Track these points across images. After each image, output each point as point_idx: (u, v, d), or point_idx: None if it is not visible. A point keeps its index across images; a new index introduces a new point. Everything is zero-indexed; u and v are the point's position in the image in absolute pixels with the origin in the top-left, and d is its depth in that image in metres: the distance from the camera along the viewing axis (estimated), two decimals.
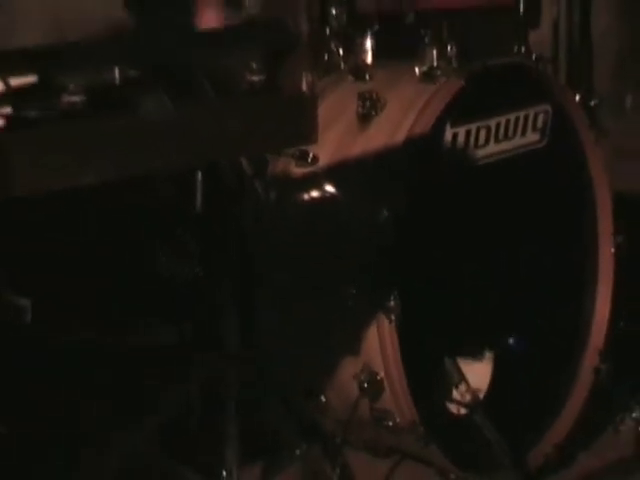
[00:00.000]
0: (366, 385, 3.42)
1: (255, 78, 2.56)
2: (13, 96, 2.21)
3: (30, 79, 2.26)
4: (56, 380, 3.00)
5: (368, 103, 3.53)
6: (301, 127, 2.59)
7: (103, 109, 2.31)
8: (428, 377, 3.52)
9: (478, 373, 3.62)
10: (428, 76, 3.58)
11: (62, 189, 2.21)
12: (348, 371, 3.47)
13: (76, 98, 2.27)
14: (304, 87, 2.59)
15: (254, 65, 2.56)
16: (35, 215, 2.29)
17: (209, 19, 4.20)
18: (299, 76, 2.60)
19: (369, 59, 3.76)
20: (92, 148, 2.22)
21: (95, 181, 2.22)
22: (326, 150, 3.49)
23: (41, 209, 2.28)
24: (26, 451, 2.79)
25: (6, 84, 2.20)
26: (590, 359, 3.85)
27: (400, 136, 3.43)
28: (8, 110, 2.18)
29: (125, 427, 3.14)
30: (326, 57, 3.82)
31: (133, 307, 3.50)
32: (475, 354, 3.64)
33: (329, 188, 3.53)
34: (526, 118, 3.70)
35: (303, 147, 3.40)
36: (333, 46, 3.82)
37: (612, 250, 3.87)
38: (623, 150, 4.62)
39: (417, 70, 3.61)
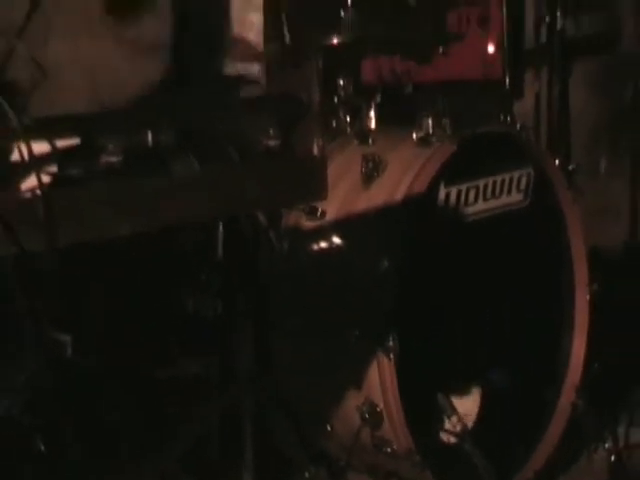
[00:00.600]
0: (367, 416, 3.44)
1: (272, 142, 2.58)
2: (58, 156, 2.23)
3: (73, 141, 2.28)
4: (92, 407, 3.01)
5: (371, 164, 3.57)
6: (312, 186, 2.64)
7: (138, 168, 2.35)
8: (423, 409, 3.53)
9: (467, 406, 3.64)
10: (424, 141, 3.61)
11: (102, 239, 2.28)
12: (352, 403, 3.48)
13: (114, 158, 2.31)
14: (315, 150, 2.61)
15: (271, 131, 2.60)
16: (77, 260, 2.33)
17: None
18: (311, 141, 2.62)
19: (372, 125, 3.81)
20: (128, 203, 2.25)
21: (130, 232, 2.26)
22: (333, 206, 3.52)
23: (83, 255, 2.33)
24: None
25: (52, 145, 2.23)
26: (567, 395, 3.87)
27: (399, 194, 3.47)
28: (54, 169, 2.22)
29: (155, 450, 3.16)
30: (334, 123, 3.84)
31: (162, 340, 3.51)
32: (464, 389, 3.66)
33: (335, 240, 3.55)
34: (511, 180, 3.74)
35: (313, 203, 3.45)
36: (340, 113, 3.85)
37: (587, 298, 3.90)
38: (597, 209, 4.66)
39: (415, 136, 3.64)
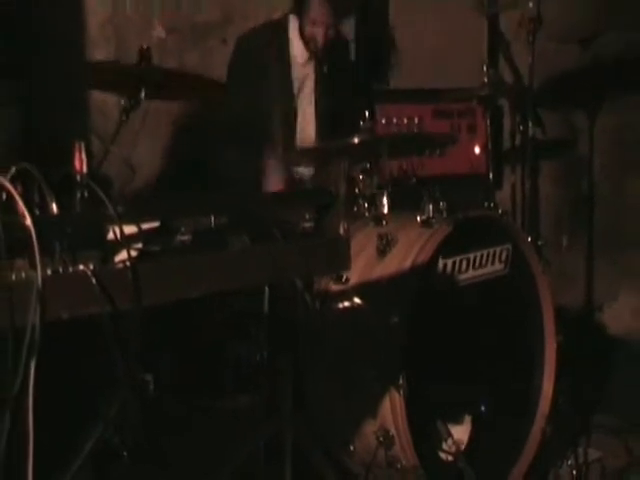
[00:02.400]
0: (382, 439, 3.42)
1: (307, 225, 2.60)
2: (143, 236, 2.25)
3: (155, 224, 2.31)
4: (166, 432, 3.01)
5: (384, 241, 3.57)
6: (338, 258, 2.62)
7: (203, 245, 2.37)
8: (426, 434, 3.52)
9: (460, 432, 3.62)
10: (426, 223, 3.61)
11: (176, 300, 2.29)
12: (369, 429, 3.47)
13: (185, 237, 2.34)
14: (341, 231, 2.63)
15: (307, 216, 2.61)
16: (157, 317, 2.34)
17: (275, 184, 4.28)
18: (337, 223, 2.63)
19: (385, 210, 3.80)
20: (196, 272, 2.26)
21: (197, 295, 2.27)
22: (355, 273, 3.52)
23: (162, 313, 2.33)
24: None
25: (139, 227, 2.25)
26: (539, 422, 3.85)
27: (407, 265, 3.47)
28: (140, 245, 2.24)
29: (212, 469, 3.15)
30: (355, 209, 3.85)
31: (220, 380, 3.50)
32: (458, 418, 3.64)
33: (356, 300, 3.55)
34: (494, 253, 3.74)
35: (339, 272, 3.44)
36: (360, 201, 3.86)
37: (554, 346, 3.89)
38: (560, 276, 4.66)
39: (419, 218, 3.64)
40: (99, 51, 6.07)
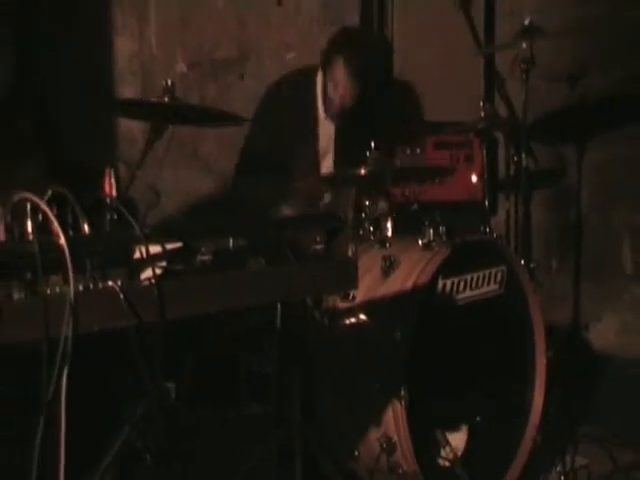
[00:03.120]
0: (385, 446, 3.42)
1: (318, 247, 2.61)
2: (167, 255, 2.26)
3: (177, 245, 2.32)
4: (185, 437, 3.00)
5: (388, 263, 3.57)
6: (346, 278, 2.64)
7: (222, 265, 2.38)
8: (425, 442, 3.51)
9: (458, 440, 3.62)
10: (427, 246, 3.63)
11: (196, 315, 2.30)
12: (373, 436, 3.47)
13: (206, 257, 2.35)
14: (349, 253, 2.63)
15: (317, 239, 2.62)
16: (179, 330, 2.34)
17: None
18: (346, 246, 2.64)
19: (389, 234, 3.80)
20: (215, 290, 2.28)
21: (216, 311, 2.28)
22: (361, 292, 3.52)
23: (183, 327, 2.34)
24: None
25: (163, 248, 2.26)
26: (530, 432, 3.84)
27: (409, 285, 3.48)
28: (164, 264, 2.25)
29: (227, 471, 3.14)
30: (361, 232, 3.83)
31: (234, 391, 3.50)
32: (455, 427, 3.64)
33: (362, 317, 3.55)
34: (489, 274, 3.74)
35: (347, 290, 3.44)
36: (366, 225, 3.84)
37: (545, 361, 3.88)
38: (550, 296, 4.66)
39: (420, 242, 3.66)
40: (127, 84, 6.10)
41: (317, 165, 4.60)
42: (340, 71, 4.38)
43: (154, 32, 6.10)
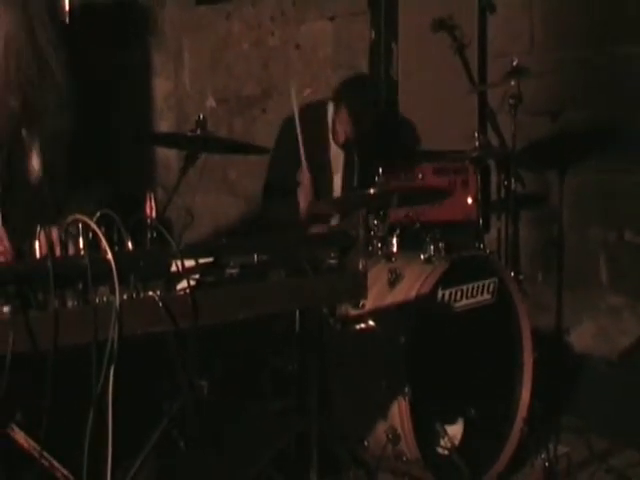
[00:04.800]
0: (390, 436, 3.42)
1: (332, 261, 2.60)
2: (200, 269, 2.25)
3: (209, 260, 2.29)
4: (215, 427, 2.99)
5: (394, 275, 3.58)
6: (357, 289, 2.62)
7: (248, 277, 2.34)
8: (426, 433, 3.50)
9: (455, 431, 3.60)
10: (428, 261, 3.63)
11: (226, 321, 2.30)
12: (381, 428, 3.47)
13: (234, 271, 2.32)
14: (360, 267, 2.63)
15: (332, 254, 2.61)
16: (210, 335, 2.33)
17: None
18: (357, 260, 2.63)
19: (394, 249, 3.79)
20: (242, 299, 2.27)
21: (243, 317, 2.27)
22: (370, 301, 3.52)
23: (214, 332, 2.33)
24: None
25: (196, 262, 2.24)
26: (519, 423, 3.81)
27: (412, 294, 3.48)
28: (197, 276, 2.24)
29: (250, 457, 3.14)
30: (370, 248, 3.83)
31: (258, 386, 3.49)
32: (453, 419, 3.62)
33: (371, 323, 3.55)
34: (483, 285, 3.72)
35: (358, 300, 3.43)
36: (374, 242, 3.85)
37: (532, 361, 3.86)
38: (536, 305, 4.64)
39: (422, 257, 3.66)
40: (164, 118, 6.13)
41: (329, 188, 4.61)
42: (344, 113, 4.42)
43: (188, 73, 6.14)
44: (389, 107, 5.18)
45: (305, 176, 4.39)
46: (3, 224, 2.49)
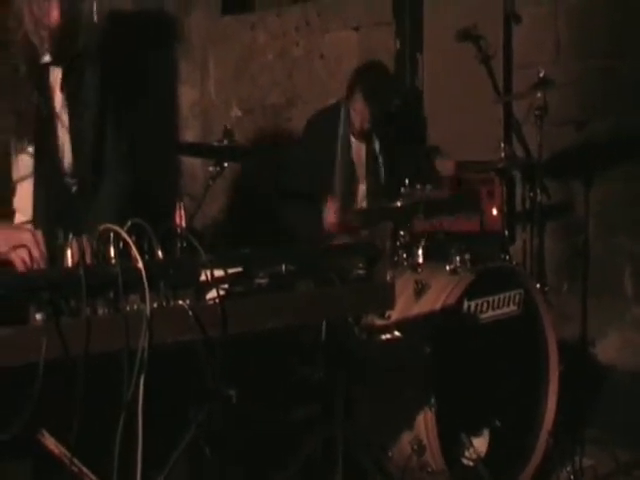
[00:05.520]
0: (415, 447, 3.43)
1: (360, 272, 2.62)
2: (229, 279, 2.28)
3: (238, 270, 2.32)
4: (243, 434, 3.00)
5: (420, 286, 3.59)
6: (385, 300, 2.65)
7: (276, 287, 2.38)
8: (451, 443, 3.51)
9: (480, 442, 3.61)
10: (454, 272, 3.64)
11: (255, 330, 2.32)
12: (406, 439, 3.47)
13: (263, 280, 2.36)
14: (387, 278, 2.64)
15: (360, 265, 2.62)
16: (238, 343, 2.35)
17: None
18: (384, 271, 2.64)
19: (420, 260, 3.79)
20: (270, 308, 2.29)
21: (271, 326, 2.31)
22: (395, 312, 3.52)
23: (244, 341, 2.35)
24: None
25: (225, 272, 2.27)
26: (544, 435, 3.81)
27: (438, 305, 3.49)
28: (226, 286, 2.27)
29: (278, 465, 3.15)
30: (396, 259, 3.85)
31: (286, 395, 3.49)
32: (479, 431, 3.63)
33: (396, 333, 3.55)
34: (509, 297, 3.73)
35: (384, 310, 3.44)
36: (400, 253, 3.86)
37: (557, 374, 3.86)
38: (561, 316, 4.63)
39: (448, 268, 3.66)
40: (189, 127, 6.17)
41: (354, 193, 4.63)
42: (359, 99, 4.47)
43: (213, 82, 6.18)
44: (416, 118, 5.21)
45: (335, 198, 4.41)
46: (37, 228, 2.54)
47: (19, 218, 2.84)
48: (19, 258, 2.36)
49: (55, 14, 2.74)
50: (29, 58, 2.78)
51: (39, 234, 2.44)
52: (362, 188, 4.65)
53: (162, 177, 5.74)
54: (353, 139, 4.62)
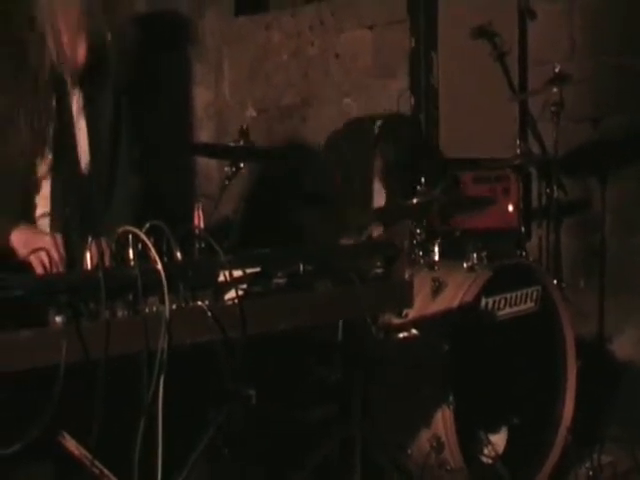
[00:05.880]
0: (434, 445, 3.41)
1: (379, 271, 2.62)
2: (247, 279, 2.26)
3: (256, 270, 2.31)
4: (261, 435, 3.01)
5: (437, 284, 3.57)
6: (403, 298, 2.65)
7: (294, 287, 2.37)
8: (470, 441, 3.50)
9: (498, 440, 3.60)
10: (471, 269, 3.61)
11: (273, 330, 2.32)
12: (424, 436, 3.46)
13: (281, 280, 2.35)
14: (406, 277, 2.64)
15: (378, 264, 2.62)
16: (257, 344, 2.35)
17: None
18: (402, 270, 2.63)
19: (436, 258, 3.77)
20: (287, 309, 2.30)
21: (288, 327, 2.30)
22: (413, 310, 3.43)
23: (261, 340, 2.35)
24: None
25: (244, 272, 2.26)
26: (562, 432, 3.81)
27: (456, 303, 3.47)
28: (244, 286, 2.26)
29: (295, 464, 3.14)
30: (413, 257, 3.82)
31: (305, 395, 3.50)
32: (497, 428, 3.62)
33: (413, 331, 3.52)
34: (527, 293, 3.71)
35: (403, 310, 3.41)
36: (416, 250, 3.85)
37: (575, 371, 3.85)
38: (579, 312, 4.62)
39: (465, 265, 3.64)
40: (204, 128, 6.18)
41: (370, 198, 4.63)
42: (379, 164, 4.56)
43: (228, 83, 6.18)
44: (429, 116, 5.21)
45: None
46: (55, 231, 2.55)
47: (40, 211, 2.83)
48: (38, 261, 2.38)
49: (82, 54, 2.73)
50: (50, 69, 2.77)
51: (59, 237, 2.45)
52: (380, 194, 4.66)
53: (177, 178, 5.76)
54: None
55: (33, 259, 2.41)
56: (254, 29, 6.08)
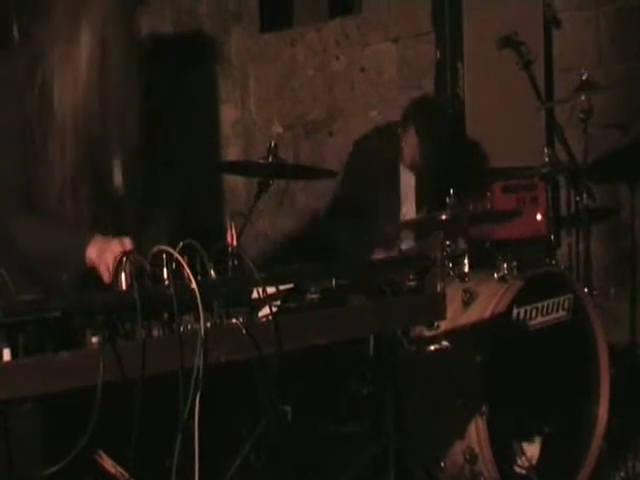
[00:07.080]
0: (468, 457, 3.40)
1: (412, 284, 2.62)
2: (281, 295, 2.30)
3: (290, 286, 2.34)
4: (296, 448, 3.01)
5: (468, 295, 3.56)
6: (436, 311, 2.66)
7: (328, 302, 2.37)
8: (503, 452, 3.49)
9: (532, 450, 3.57)
10: (502, 279, 3.60)
11: (308, 346, 2.33)
12: (458, 448, 3.44)
13: (314, 296, 2.37)
14: (438, 288, 2.64)
15: (411, 276, 2.62)
16: (293, 360, 2.36)
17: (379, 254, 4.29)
18: (435, 282, 2.63)
19: (467, 269, 3.75)
20: (322, 324, 2.27)
21: (323, 342, 2.30)
22: (445, 321, 3.40)
23: (296, 356, 2.35)
24: None
25: (277, 288, 2.29)
26: (597, 441, 3.78)
27: (487, 314, 3.47)
28: (278, 302, 2.29)
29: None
30: (443, 268, 3.81)
31: (337, 408, 3.50)
32: (530, 439, 3.59)
33: (445, 343, 3.50)
34: (558, 302, 3.70)
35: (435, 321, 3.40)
36: (446, 262, 3.80)
37: (608, 378, 3.82)
38: (609, 319, 4.58)
39: (495, 275, 3.64)
40: (231, 146, 6.20)
41: (397, 211, 4.63)
42: (412, 136, 4.50)
43: (254, 100, 6.21)
44: (457, 127, 5.20)
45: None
46: None
47: None
48: (105, 267, 2.39)
49: None
50: None
51: (127, 240, 2.46)
52: (406, 208, 4.65)
53: (205, 196, 5.78)
54: (402, 167, 4.61)
55: (101, 266, 2.42)
56: (279, 45, 6.10)
